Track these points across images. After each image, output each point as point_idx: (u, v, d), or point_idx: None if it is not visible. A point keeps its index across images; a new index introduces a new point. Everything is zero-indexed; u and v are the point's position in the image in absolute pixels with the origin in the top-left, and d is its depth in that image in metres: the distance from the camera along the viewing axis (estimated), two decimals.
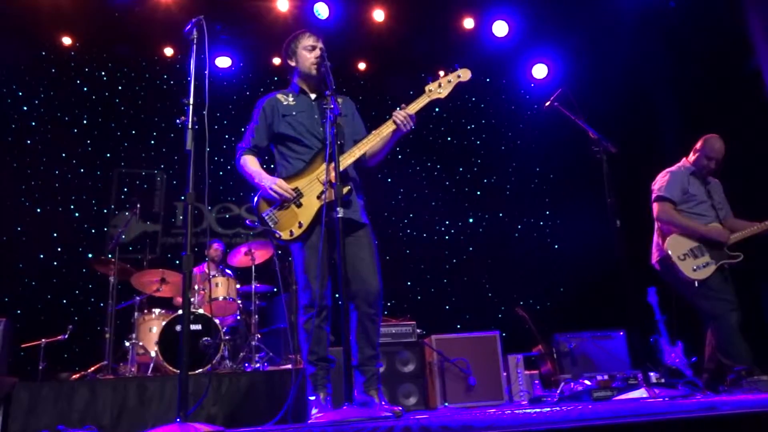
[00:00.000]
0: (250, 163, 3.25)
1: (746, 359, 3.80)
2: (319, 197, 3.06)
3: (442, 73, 3.32)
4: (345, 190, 2.94)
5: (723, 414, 1.58)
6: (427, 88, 3.30)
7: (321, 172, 3.07)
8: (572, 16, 7.29)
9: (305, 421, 2.93)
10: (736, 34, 5.83)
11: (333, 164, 2.86)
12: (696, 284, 4.01)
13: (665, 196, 4.23)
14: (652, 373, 3.82)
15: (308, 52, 3.30)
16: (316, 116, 3.24)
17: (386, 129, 3.19)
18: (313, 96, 3.33)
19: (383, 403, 3.03)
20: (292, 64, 3.37)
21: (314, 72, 3.26)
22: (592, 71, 7.37)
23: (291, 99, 3.34)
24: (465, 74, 3.35)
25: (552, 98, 4.11)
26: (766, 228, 4.16)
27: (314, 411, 2.91)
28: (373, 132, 3.21)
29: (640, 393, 3.35)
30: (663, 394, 3.25)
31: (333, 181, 2.84)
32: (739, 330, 3.89)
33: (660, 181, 4.35)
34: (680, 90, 6.65)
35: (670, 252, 4.11)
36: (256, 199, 3.16)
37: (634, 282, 3.74)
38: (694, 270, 4.01)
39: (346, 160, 3.11)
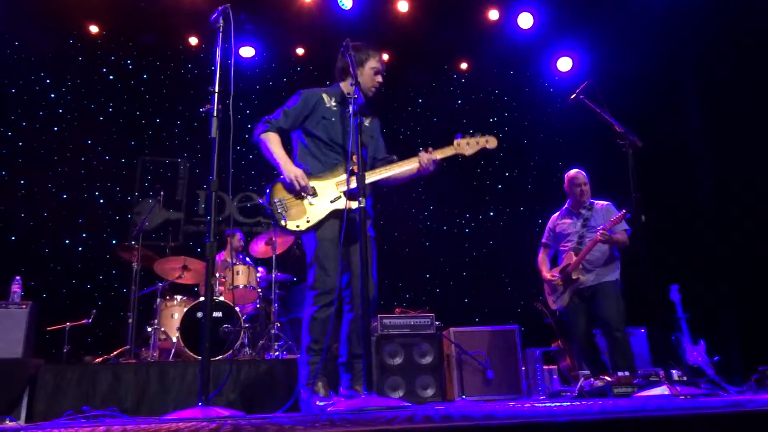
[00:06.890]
0: (275, 143, 3.26)
1: (597, 369, 4.43)
2: (332, 201, 3.15)
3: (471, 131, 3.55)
4: (355, 204, 2.94)
5: (749, 411, 1.55)
6: (455, 142, 3.47)
7: (342, 181, 3.17)
8: (598, 7, 7.19)
9: (306, 409, 2.96)
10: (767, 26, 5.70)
11: (356, 157, 2.94)
12: (558, 313, 4.84)
13: (542, 241, 4.99)
14: (674, 371, 3.76)
15: (374, 74, 3.39)
16: (349, 129, 3.23)
17: (409, 164, 3.32)
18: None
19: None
20: (351, 71, 3.21)
21: (370, 95, 3.40)
22: (619, 64, 7.23)
23: (334, 103, 3.36)
24: (492, 142, 3.52)
25: (577, 91, 4.07)
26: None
27: (318, 401, 2.92)
28: (398, 162, 3.33)
29: (662, 390, 3.31)
30: (685, 391, 3.21)
31: (356, 170, 2.87)
32: (584, 348, 4.57)
33: None
34: (709, 83, 6.50)
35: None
36: (273, 183, 3.19)
37: (657, 279, 3.69)
38: (554, 301, 4.72)
39: (367, 179, 3.18)
